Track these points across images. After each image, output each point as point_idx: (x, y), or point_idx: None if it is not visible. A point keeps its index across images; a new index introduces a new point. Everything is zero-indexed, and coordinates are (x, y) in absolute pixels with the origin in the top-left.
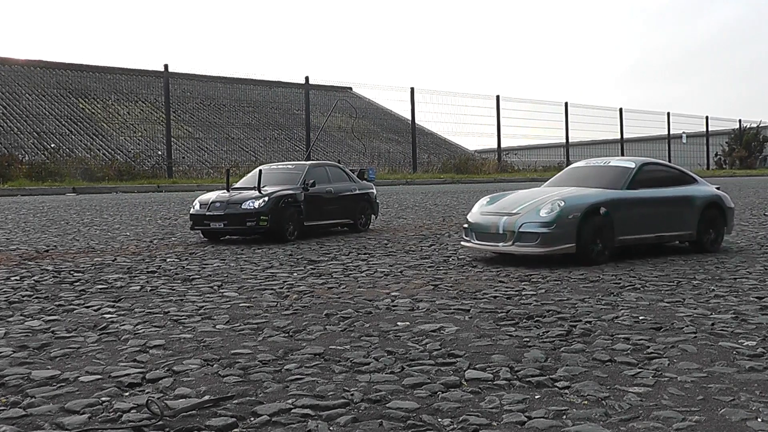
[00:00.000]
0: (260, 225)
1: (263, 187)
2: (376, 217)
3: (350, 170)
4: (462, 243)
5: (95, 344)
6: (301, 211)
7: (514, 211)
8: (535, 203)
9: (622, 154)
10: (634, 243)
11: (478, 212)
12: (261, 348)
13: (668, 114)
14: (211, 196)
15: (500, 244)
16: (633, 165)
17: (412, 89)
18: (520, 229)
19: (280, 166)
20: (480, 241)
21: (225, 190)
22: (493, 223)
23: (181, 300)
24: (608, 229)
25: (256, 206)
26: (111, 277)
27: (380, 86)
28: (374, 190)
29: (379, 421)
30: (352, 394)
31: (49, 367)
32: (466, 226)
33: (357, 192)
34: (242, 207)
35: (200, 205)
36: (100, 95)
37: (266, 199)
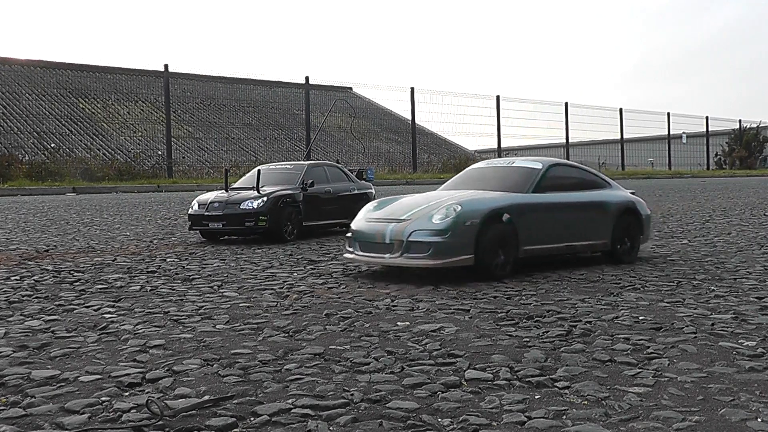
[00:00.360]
0: (259, 225)
1: (262, 187)
2: None
3: (349, 170)
4: (345, 255)
5: (95, 344)
6: (300, 211)
7: (403, 218)
8: (428, 208)
9: (622, 155)
10: (542, 254)
11: (364, 219)
12: (261, 348)
13: (668, 114)
14: (209, 196)
15: (387, 255)
16: (540, 166)
17: (412, 89)
18: (410, 238)
19: (278, 166)
20: (365, 252)
21: (224, 190)
22: (378, 232)
23: (181, 300)
24: (512, 238)
25: (255, 206)
26: (111, 277)
27: (380, 86)
28: (373, 190)
29: (379, 421)
30: (352, 394)
31: (49, 367)
32: (349, 234)
33: (356, 192)
34: (241, 207)
35: (199, 205)
36: (100, 95)
37: (265, 199)
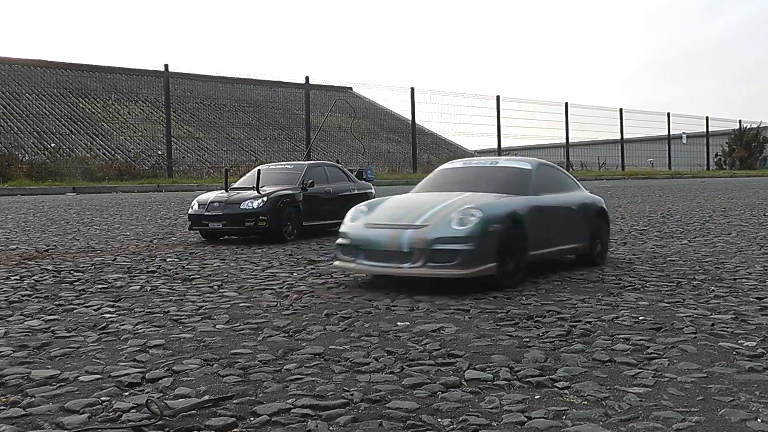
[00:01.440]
0: (259, 225)
1: (262, 187)
2: None
3: (349, 170)
4: (338, 264)
5: (95, 344)
6: (300, 211)
7: (418, 223)
8: (442, 211)
9: (622, 155)
10: (545, 259)
11: (362, 225)
12: (261, 348)
13: (668, 114)
14: (209, 196)
15: (405, 264)
16: (529, 166)
17: (412, 89)
18: (434, 246)
19: (279, 166)
20: (372, 261)
21: (224, 190)
22: (392, 239)
23: (181, 300)
24: (522, 243)
25: (255, 206)
26: (111, 276)
27: (380, 86)
28: (373, 190)
29: (379, 421)
30: (351, 394)
31: (49, 366)
32: (345, 242)
33: (356, 192)
34: (241, 207)
35: (199, 205)
36: (100, 95)
37: (265, 199)
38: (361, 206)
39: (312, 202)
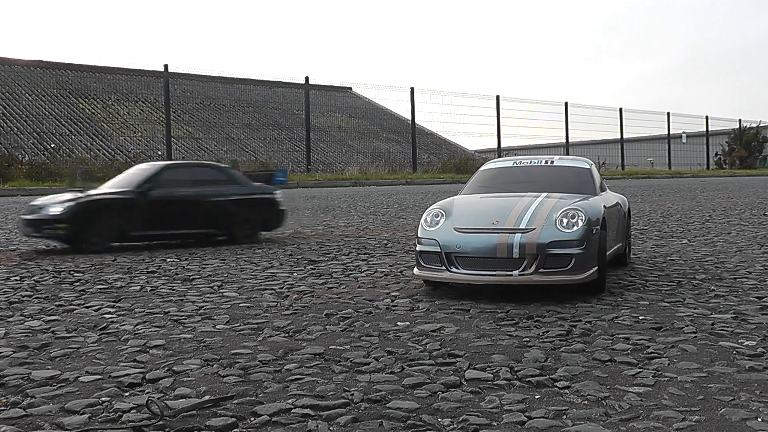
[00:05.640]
0: (58, 234)
1: (86, 190)
2: (279, 225)
3: (267, 172)
4: (421, 273)
5: (95, 344)
6: (126, 219)
7: (523, 226)
8: (542, 212)
9: (622, 154)
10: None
11: (450, 230)
12: (261, 348)
13: (668, 114)
14: (42, 199)
15: (514, 272)
16: (588, 165)
17: (412, 89)
18: (548, 250)
19: (141, 167)
20: (470, 269)
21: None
22: (499, 244)
23: (181, 300)
24: (603, 245)
25: (57, 212)
26: (111, 277)
27: (380, 86)
28: (276, 196)
29: (379, 421)
30: (352, 394)
31: (49, 367)
32: (433, 249)
33: (235, 197)
34: (43, 212)
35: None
36: (100, 95)
37: (71, 204)
38: (434, 210)
39: (155, 208)
